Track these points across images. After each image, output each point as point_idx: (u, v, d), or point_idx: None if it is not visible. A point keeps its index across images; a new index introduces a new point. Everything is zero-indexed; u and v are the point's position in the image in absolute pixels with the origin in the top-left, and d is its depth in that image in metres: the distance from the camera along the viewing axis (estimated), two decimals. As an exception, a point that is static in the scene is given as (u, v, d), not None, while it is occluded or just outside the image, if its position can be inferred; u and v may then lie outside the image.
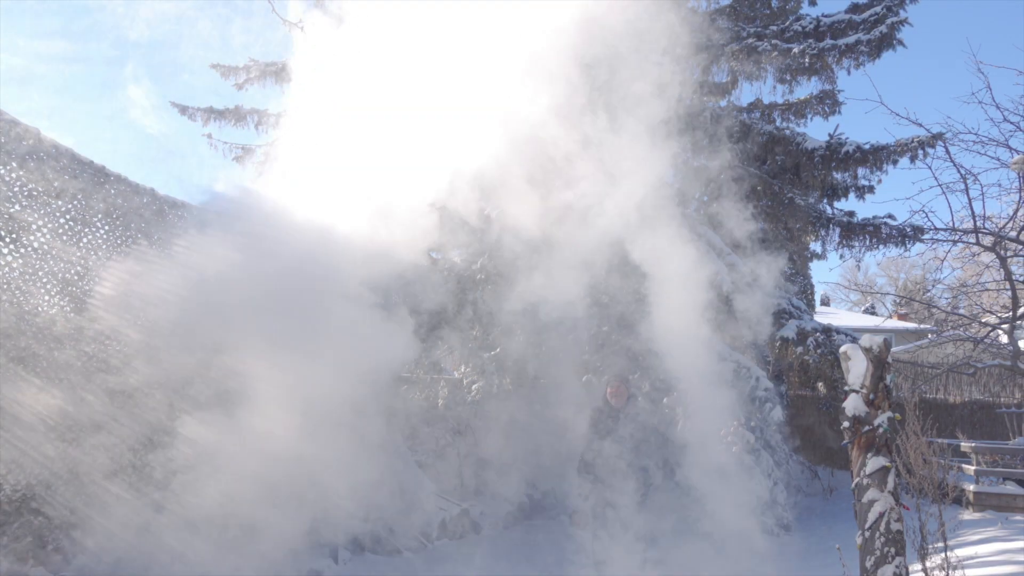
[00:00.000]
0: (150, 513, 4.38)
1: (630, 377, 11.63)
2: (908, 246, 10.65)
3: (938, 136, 9.88)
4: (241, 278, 4.76)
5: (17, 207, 3.72)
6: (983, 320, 11.40)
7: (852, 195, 11.23)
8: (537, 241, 8.17)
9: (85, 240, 4.11)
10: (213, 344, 4.74)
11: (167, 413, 4.64)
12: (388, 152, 6.20)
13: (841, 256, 11.19)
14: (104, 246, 4.28)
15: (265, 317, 4.76)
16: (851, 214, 11.23)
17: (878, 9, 10.54)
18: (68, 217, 4.04)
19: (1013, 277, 9.46)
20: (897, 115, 13.74)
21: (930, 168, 13.09)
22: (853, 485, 4.18)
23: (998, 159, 9.71)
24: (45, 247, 3.89)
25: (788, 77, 10.93)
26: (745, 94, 11.57)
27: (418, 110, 6.25)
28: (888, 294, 28.84)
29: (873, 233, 10.74)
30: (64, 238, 4.00)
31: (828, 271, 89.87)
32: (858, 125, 57.82)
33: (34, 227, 3.83)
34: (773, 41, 10.54)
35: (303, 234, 5.44)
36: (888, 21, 10.26)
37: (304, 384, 4.82)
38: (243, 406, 4.70)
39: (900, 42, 10.31)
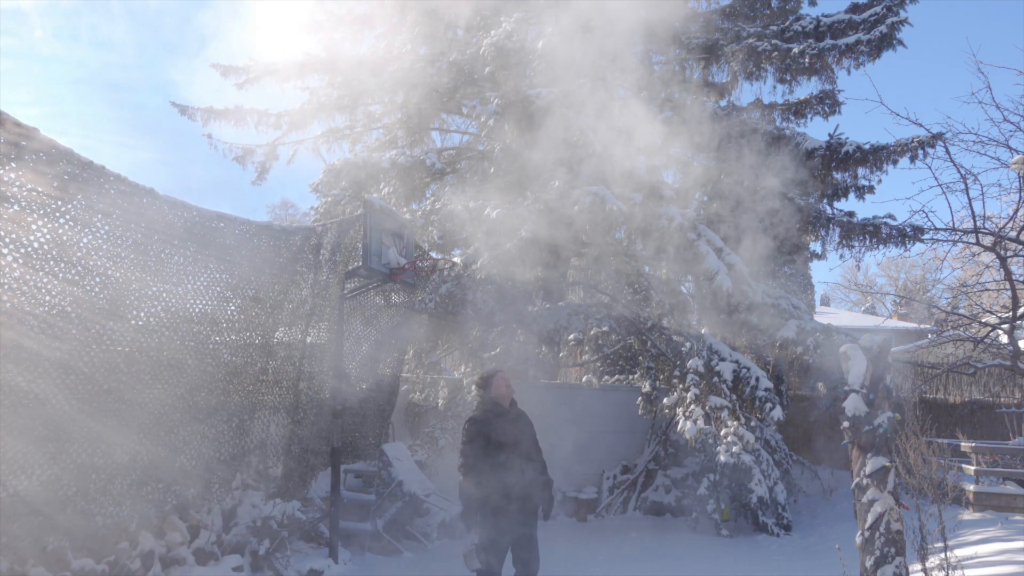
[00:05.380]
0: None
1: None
2: (908, 246, 10.64)
3: (938, 136, 9.87)
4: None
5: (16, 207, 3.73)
6: (983, 320, 11.38)
7: (852, 195, 11.23)
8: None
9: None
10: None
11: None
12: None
13: (841, 256, 11.18)
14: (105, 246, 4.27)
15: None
16: (851, 214, 11.23)
17: (878, 9, 10.54)
18: (68, 217, 4.04)
19: (1013, 277, 9.44)
20: (897, 115, 13.72)
21: (930, 168, 13.11)
22: (853, 485, 4.19)
23: (998, 159, 9.68)
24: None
25: (788, 77, 10.93)
26: (745, 94, 11.59)
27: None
28: (888, 294, 28.86)
29: (873, 233, 10.74)
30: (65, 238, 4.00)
31: (828, 271, 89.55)
32: (858, 125, 57.88)
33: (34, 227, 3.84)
34: (773, 41, 10.54)
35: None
36: (888, 21, 10.26)
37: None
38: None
39: (900, 42, 10.31)
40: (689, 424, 8.32)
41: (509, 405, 4.78)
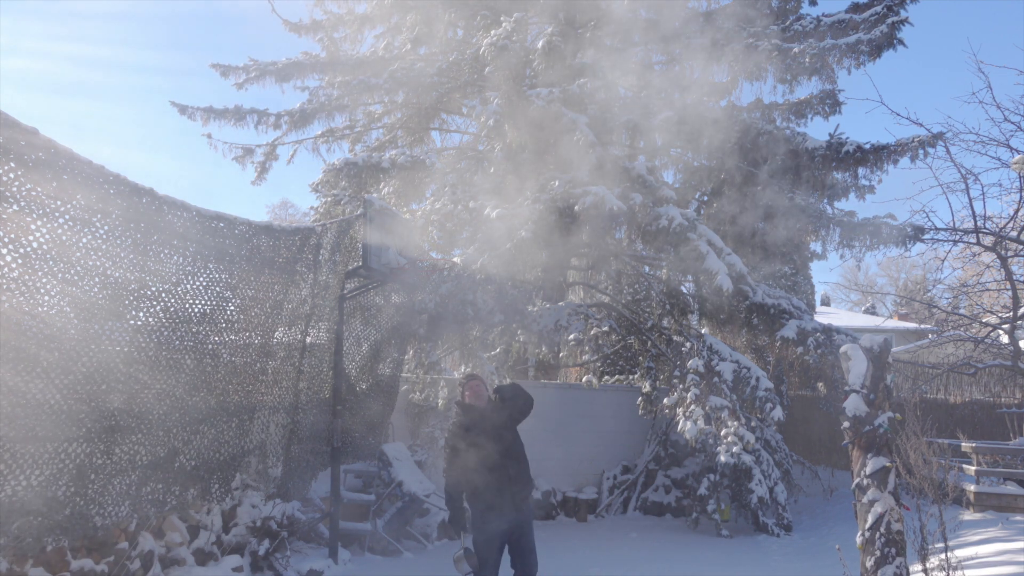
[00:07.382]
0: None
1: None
2: (908, 246, 10.60)
3: (938, 136, 9.85)
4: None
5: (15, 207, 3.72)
6: (983, 320, 11.39)
7: (852, 195, 11.20)
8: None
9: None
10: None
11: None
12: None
13: (841, 256, 11.14)
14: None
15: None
16: (851, 214, 11.19)
17: (879, 9, 10.52)
18: (67, 217, 4.03)
19: (1013, 277, 9.44)
20: (897, 115, 13.76)
21: (930, 168, 13.12)
22: (853, 485, 4.18)
23: (998, 159, 9.69)
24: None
25: (788, 77, 10.91)
26: (745, 94, 11.56)
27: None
28: (888, 294, 28.87)
29: (873, 233, 10.72)
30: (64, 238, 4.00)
31: (828, 271, 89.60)
32: (858, 125, 57.82)
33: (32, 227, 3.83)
34: (773, 41, 10.53)
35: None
36: (889, 21, 10.25)
37: None
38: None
39: (900, 42, 10.29)
40: (689, 424, 8.32)
41: (485, 404, 4.74)
